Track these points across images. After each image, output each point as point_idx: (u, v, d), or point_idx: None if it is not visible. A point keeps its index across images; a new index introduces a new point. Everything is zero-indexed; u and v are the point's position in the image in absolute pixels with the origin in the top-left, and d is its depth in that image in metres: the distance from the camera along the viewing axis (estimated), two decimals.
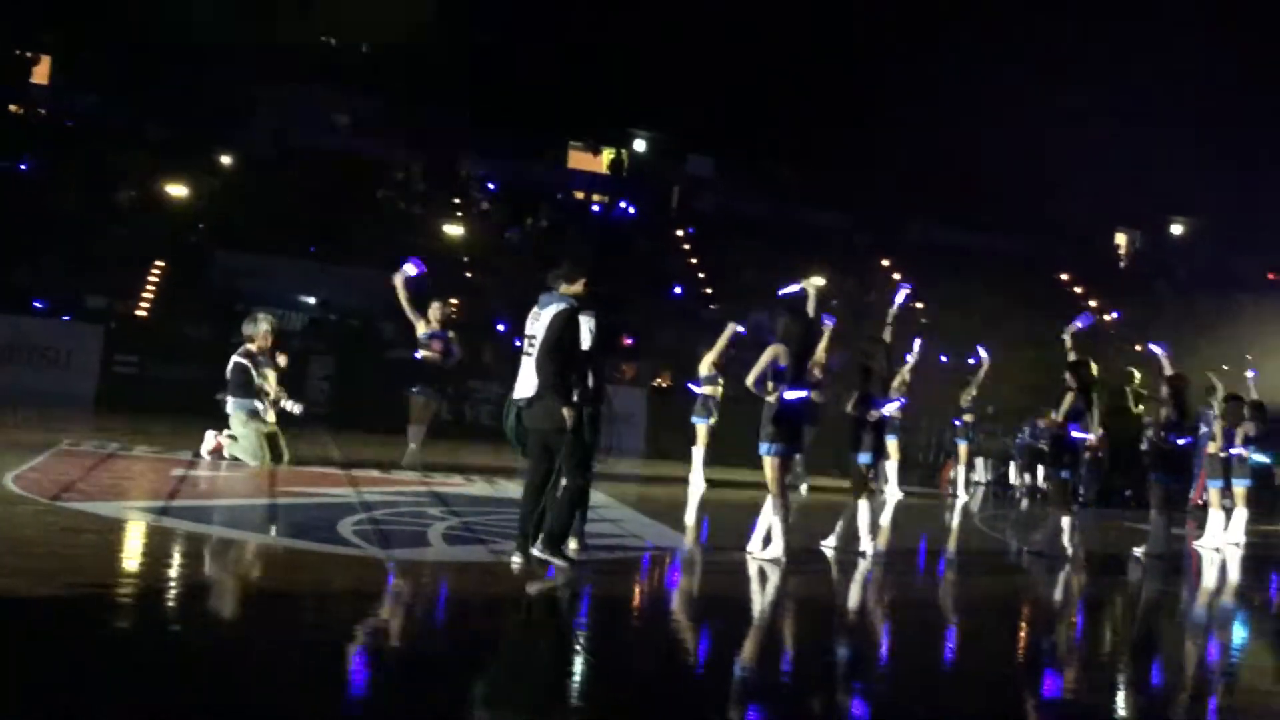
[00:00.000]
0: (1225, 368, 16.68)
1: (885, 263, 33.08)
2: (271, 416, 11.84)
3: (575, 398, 7.50)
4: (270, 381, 11.93)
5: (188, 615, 5.84)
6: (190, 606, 5.99)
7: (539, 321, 7.44)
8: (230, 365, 11.96)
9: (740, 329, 14.25)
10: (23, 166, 26.26)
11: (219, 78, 29.76)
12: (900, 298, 12.03)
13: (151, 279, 23.92)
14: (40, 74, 33.29)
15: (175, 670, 4.87)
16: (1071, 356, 11.32)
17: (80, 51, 31.74)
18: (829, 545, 9.70)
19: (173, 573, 6.68)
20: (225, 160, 29.31)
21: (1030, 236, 34.70)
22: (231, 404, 11.77)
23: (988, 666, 6.65)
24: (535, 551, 7.45)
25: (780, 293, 9.50)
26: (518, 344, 7.96)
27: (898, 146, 32.89)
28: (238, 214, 26.12)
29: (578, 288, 7.66)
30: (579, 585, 7.32)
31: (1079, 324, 12.00)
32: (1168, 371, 12.47)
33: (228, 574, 7.11)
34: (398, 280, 12.27)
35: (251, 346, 12.06)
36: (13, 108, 29.38)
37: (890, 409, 10.06)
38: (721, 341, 14.19)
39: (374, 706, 4.76)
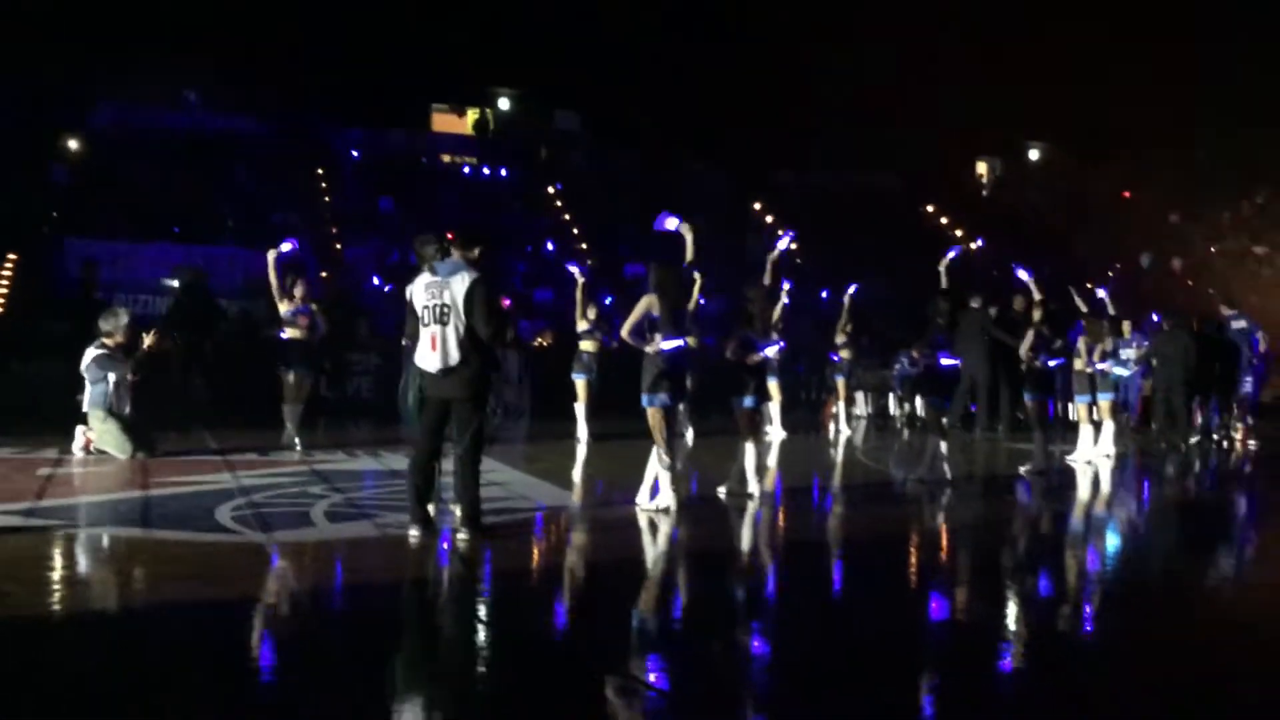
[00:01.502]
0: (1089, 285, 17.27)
1: (757, 207, 33.37)
2: (127, 409, 11.46)
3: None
4: (127, 375, 11.54)
5: (63, 617, 5.61)
6: (65, 607, 5.76)
7: (449, 290, 7.36)
8: (86, 360, 11.55)
9: (579, 271, 14.41)
10: None
11: (51, 63, 28.54)
12: (782, 244, 12.17)
13: (4, 274, 22.94)
14: None
15: (57, 674, 4.67)
16: (944, 286, 11.64)
17: None
18: (722, 490, 9.78)
19: (45, 575, 6.41)
20: (72, 145, 28.15)
21: (896, 173, 35.32)
22: (88, 399, 11.38)
23: (881, 594, 6.77)
24: (463, 536, 7.40)
25: (656, 226, 9.45)
26: (393, 315, 7.83)
27: (763, 91, 33.13)
28: (89, 200, 25.13)
29: (474, 254, 7.59)
30: (472, 552, 7.24)
31: (951, 255, 12.47)
32: (1036, 296, 12.91)
33: (104, 571, 6.86)
34: (270, 256, 12.09)
35: (109, 341, 11.64)
36: None
37: (771, 351, 10.14)
38: (579, 294, 14.27)
39: (278, 689, 4.64)
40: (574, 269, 14.62)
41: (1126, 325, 16.06)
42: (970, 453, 14.38)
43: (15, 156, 25.57)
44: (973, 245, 28.71)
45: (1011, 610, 6.48)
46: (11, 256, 23.37)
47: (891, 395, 19.89)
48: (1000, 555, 8.41)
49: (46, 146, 27.39)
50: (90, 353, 11.57)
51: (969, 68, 33.60)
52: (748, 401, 10.01)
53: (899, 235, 30.71)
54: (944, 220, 34.70)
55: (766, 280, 11.16)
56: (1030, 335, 12.38)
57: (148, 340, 11.89)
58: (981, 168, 41.98)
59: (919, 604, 6.67)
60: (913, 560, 8.07)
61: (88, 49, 29.13)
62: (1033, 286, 13.04)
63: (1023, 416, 15.27)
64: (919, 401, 18.83)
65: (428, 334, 7.45)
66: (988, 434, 16.48)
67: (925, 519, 9.83)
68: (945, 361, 11.18)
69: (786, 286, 15.42)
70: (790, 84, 33.02)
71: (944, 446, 10.98)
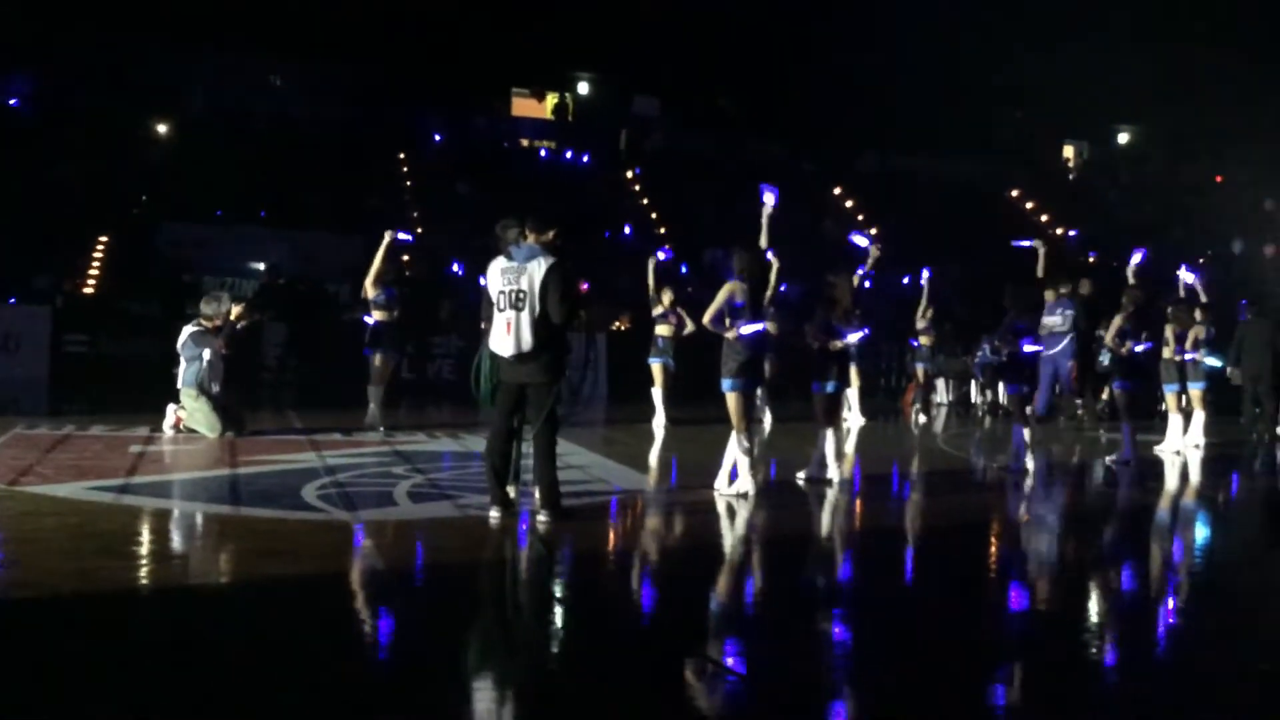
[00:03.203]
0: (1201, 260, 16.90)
1: (837, 191, 33.10)
2: (217, 388, 11.71)
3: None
4: (220, 349, 11.81)
5: (155, 591, 5.77)
6: (156, 582, 5.92)
7: (525, 275, 7.40)
8: (182, 337, 11.82)
9: (660, 254, 14.51)
10: None
11: (145, 45, 29.19)
12: (862, 241, 12.14)
13: (96, 255, 23.55)
14: None
15: (153, 646, 4.82)
16: (1040, 275, 11.59)
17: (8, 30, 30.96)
18: (800, 476, 9.75)
19: (136, 550, 6.60)
20: (161, 129, 28.77)
21: (980, 156, 34.75)
22: (182, 376, 11.65)
23: (959, 583, 6.71)
24: (543, 519, 7.45)
25: (760, 193, 9.46)
26: (474, 299, 7.88)
27: (844, 74, 32.79)
28: (180, 183, 25.68)
29: (550, 237, 7.62)
30: (551, 534, 7.30)
31: (1026, 243, 12.39)
32: (1203, 299, 12.86)
33: (195, 547, 7.04)
34: (386, 238, 12.30)
35: (207, 324, 11.90)
36: None
37: (853, 338, 10.05)
38: (649, 277, 14.36)
39: (362, 664, 4.73)
40: (659, 254, 14.67)
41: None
42: (1056, 442, 14.15)
43: (108, 139, 26.23)
44: (1059, 230, 28.20)
45: (1093, 603, 6.38)
46: (103, 239, 24.00)
47: (973, 382, 19.63)
48: (1080, 546, 8.28)
49: (140, 129, 28.02)
50: (187, 330, 11.84)
51: (1057, 48, 32.92)
52: (829, 387, 9.95)
53: (980, 219, 30.28)
54: (1029, 205, 34.13)
55: (869, 265, 11.28)
56: (1117, 321, 12.13)
57: (235, 311, 12.15)
58: (1069, 151, 41.18)
59: (998, 593, 6.60)
60: (992, 549, 7.98)
61: (179, 33, 29.73)
62: (1200, 289, 12.99)
63: (1107, 405, 15.01)
64: (1001, 388, 18.66)
65: (503, 319, 7.48)
66: (1072, 423, 16.21)
67: (1006, 508, 9.70)
68: (1028, 348, 11.01)
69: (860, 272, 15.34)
70: (871, 64, 32.60)
71: (1027, 434, 10.83)
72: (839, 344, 9.92)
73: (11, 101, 29.43)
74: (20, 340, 18.20)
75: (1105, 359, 12.59)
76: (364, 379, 12.83)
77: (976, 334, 19.29)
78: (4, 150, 25.24)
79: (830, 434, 9.76)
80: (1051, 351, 13.41)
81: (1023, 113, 36.80)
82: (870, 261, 11.68)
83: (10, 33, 30.28)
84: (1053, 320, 13.54)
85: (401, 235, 12.67)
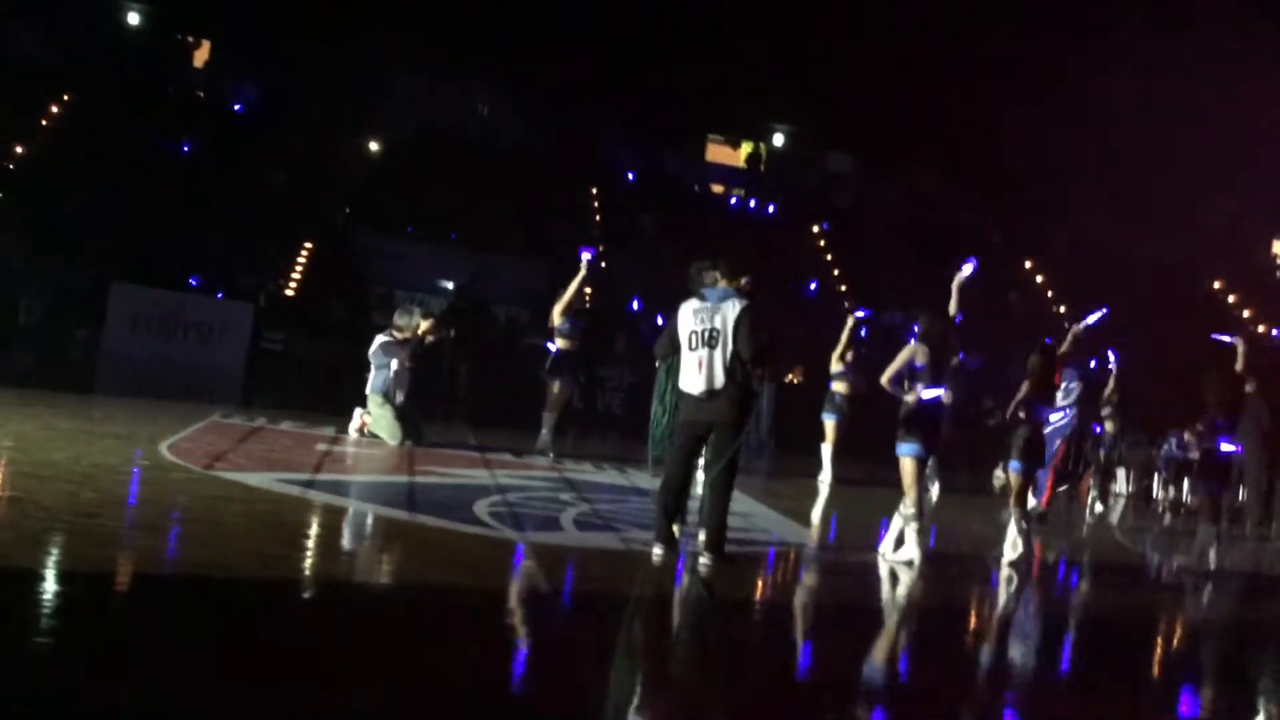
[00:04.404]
0: None
1: (1028, 265, 32.36)
2: (401, 398, 12.09)
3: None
4: (405, 361, 12.19)
5: (328, 586, 6.02)
6: (333, 578, 6.18)
7: (719, 316, 7.48)
8: (373, 345, 12.26)
9: (861, 313, 14.32)
10: (185, 149, 27.38)
11: (366, 64, 30.61)
12: (1092, 319, 11.71)
13: (300, 259, 24.73)
14: (199, 58, 34.76)
15: (319, 634, 5.03)
16: (1239, 367, 11.04)
17: (238, 38, 33.00)
18: (1009, 556, 9.35)
19: (316, 544, 6.90)
20: (372, 145, 30.11)
21: (1181, 239, 33.45)
22: (370, 383, 12.09)
23: (1118, 680, 6.45)
24: (705, 560, 7.46)
25: (959, 265, 9.33)
26: (648, 334, 8.00)
27: (1043, 143, 32.09)
28: (381, 197, 26.81)
29: (742, 282, 7.72)
30: (713, 577, 7.32)
31: (1226, 339, 11.76)
32: None
33: (370, 548, 7.31)
34: (583, 269, 12.61)
35: (398, 335, 12.32)
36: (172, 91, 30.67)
37: (1056, 418, 9.67)
38: (845, 333, 14.20)
39: (517, 681, 4.84)
40: (859, 313, 14.51)
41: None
42: (1240, 548, 13.45)
43: (322, 149, 27.60)
44: (1261, 328, 26.92)
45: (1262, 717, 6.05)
46: (307, 244, 25.21)
47: (1156, 476, 18.81)
48: (1253, 656, 7.85)
49: (351, 143, 29.40)
50: (379, 339, 12.29)
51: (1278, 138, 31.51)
52: (1016, 466, 9.60)
53: (1177, 306, 29.11)
54: (1230, 298, 32.68)
55: (1065, 348, 10.81)
56: None
57: (424, 326, 12.53)
58: (1278, 247, 39.26)
59: (1163, 695, 6.32)
60: (1158, 649, 7.65)
61: (400, 54, 31.12)
62: None
63: None
64: (1186, 486, 17.85)
65: (694, 358, 7.55)
66: (1261, 529, 15.38)
67: (1180, 608, 9.28)
68: (1225, 447, 10.48)
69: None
70: (1079, 139, 31.84)
71: (1214, 537, 10.32)
72: (1046, 428, 9.53)
73: (236, 107, 31.27)
74: (223, 332, 19.22)
75: None
76: (538, 403, 13.10)
77: (1163, 425, 18.55)
78: (224, 152, 26.83)
79: (1019, 512, 9.37)
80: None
81: (1234, 202, 35.31)
82: (1068, 342, 11.30)
83: (243, 41, 32.27)
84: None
85: (585, 254, 12.91)
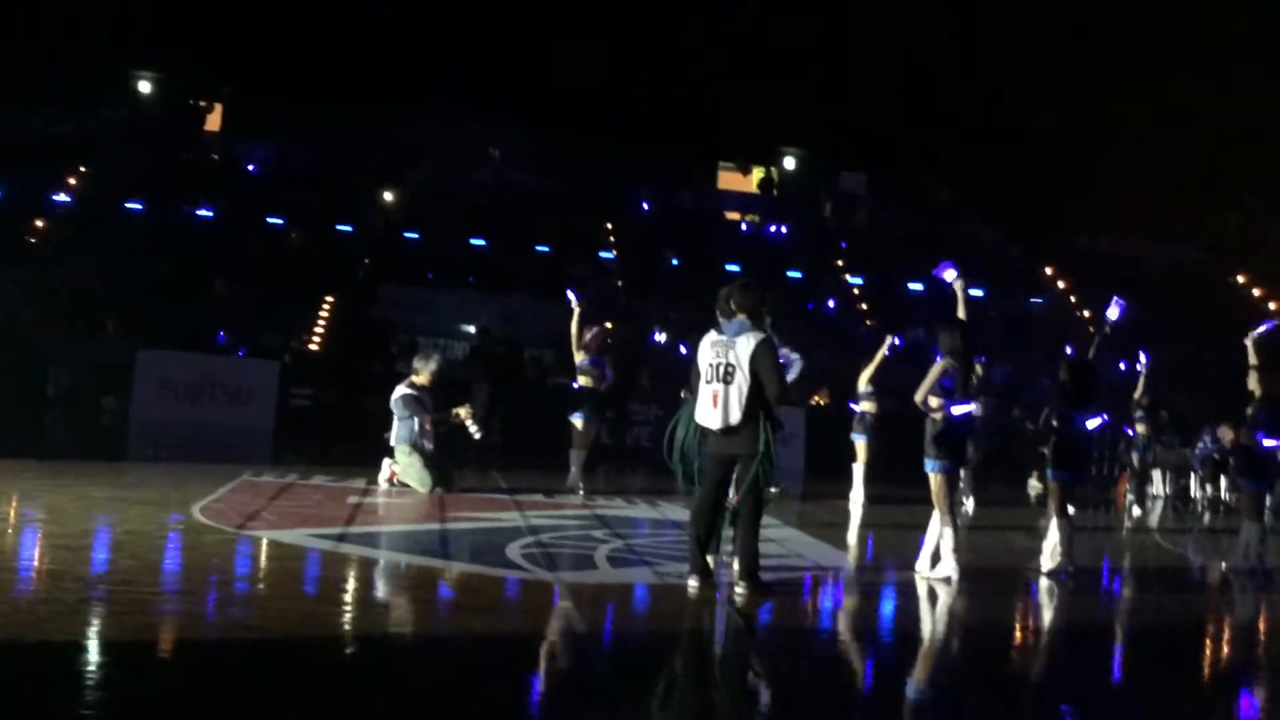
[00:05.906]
0: None
1: (1048, 271, 32.23)
2: (429, 445, 12.11)
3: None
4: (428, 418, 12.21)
5: (366, 640, 6.02)
6: (368, 632, 6.18)
7: (734, 350, 7.46)
8: (395, 397, 12.32)
9: (897, 341, 14.26)
10: (209, 213, 27.67)
11: (380, 117, 30.94)
12: (1112, 313, 11.54)
13: (322, 315, 24.91)
14: (213, 122, 35.25)
15: (354, 686, 5.03)
16: (1253, 362, 10.82)
17: (252, 100, 33.45)
18: (1046, 566, 9.31)
19: (352, 598, 6.90)
20: (388, 197, 30.37)
21: (1204, 242, 33.26)
22: (395, 434, 12.13)
23: (1171, 685, 6.36)
24: (740, 590, 7.42)
25: (935, 273, 9.39)
26: (674, 366, 8.01)
27: (1057, 154, 32.04)
28: (399, 247, 27.01)
29: (758, 313, 7.70)
30: (749, 607, 7.28)
31: (1263, 328, 11.46)
32: None
33: (405, 597, 7.31)
34: (576, 310, 12.69)
35: (417, 380, 12.40)
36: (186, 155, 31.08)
37: (1092, 424, 9.61)
38: (878, 356, 14.16)
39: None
40: (895, 340, 14.39)
41: None
42: None
43: (339, 205, 27.87)
44: None
45: None
46: (329, 299, 25.39)
47: (1193, 475, 18.64)
48: None
49: (367, 196, 29.68)
50: (400, 390, 12.35)
51: None
52: (1059, 475, 9.53)
53: (1202, 305, 28.91)
54: (1256, 292, 32.43)
55: (1091, 354, 10.71)
56: None
57: (461, 413, 12.49)
58: None
59: (1215, 698, 6.23)
60: (1208, 651, 7.54)
61: (413, 105, 31.46)
62: None
63: None
64: (1223, 483, 17.69)
65: (709, 391, 7.52)
66: None
67: (1228, 608, 9.15)
68: (1266, 443, 10.35)
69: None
70: (1089, 146, 31.77)
71: (1259, 533, 10.20)
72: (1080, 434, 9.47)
73: (250, 167, 31.63)
74: (252, 393, 19.34)
75: None
76: (564, 442, 13.12)
77: (1196, 425, 18.40)
78: (242, 213, 27.12)
79: (1058, 523, 9.30)
80: None
81: (1254, 197, 35.07)
82: (1094, 345, 11.23)
83: (255, 102, 32.67)
84: None
85: (571, 294, 13.02)
